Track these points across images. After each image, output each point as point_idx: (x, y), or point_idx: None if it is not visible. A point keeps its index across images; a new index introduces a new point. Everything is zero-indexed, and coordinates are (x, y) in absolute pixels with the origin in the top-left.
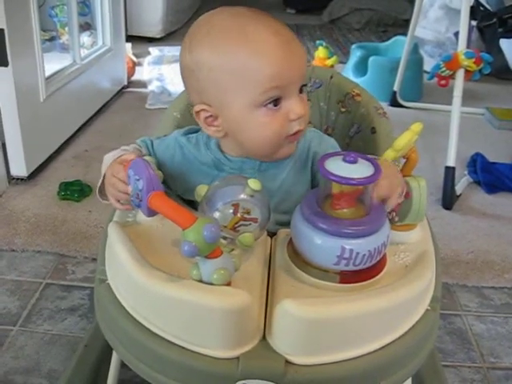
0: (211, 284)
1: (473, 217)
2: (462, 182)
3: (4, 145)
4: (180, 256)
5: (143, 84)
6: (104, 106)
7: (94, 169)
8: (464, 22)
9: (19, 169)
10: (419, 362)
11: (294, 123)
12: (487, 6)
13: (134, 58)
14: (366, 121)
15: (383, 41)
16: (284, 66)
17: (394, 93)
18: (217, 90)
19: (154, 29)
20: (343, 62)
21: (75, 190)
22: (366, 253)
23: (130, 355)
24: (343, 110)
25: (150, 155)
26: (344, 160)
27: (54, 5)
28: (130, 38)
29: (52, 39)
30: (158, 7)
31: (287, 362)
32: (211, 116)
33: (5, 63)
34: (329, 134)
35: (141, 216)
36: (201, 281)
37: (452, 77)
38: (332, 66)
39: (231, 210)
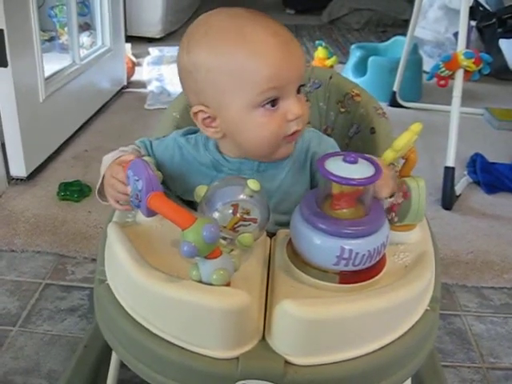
0: (211, 284)
1: (472, 217)
2: (461, 183)
3: (3, 145)
4: (179, 256)
5: (143, 84)
6: (103, 106)
7: (94, 169)
8: (463, 23)
9: (19, 169)
10: (419, 363)
11: (292, 123)
12: (486, 7)
13: (134, 59)
14: (366, 121)
15: (383, 41)
16: (282, 66)
17: (394, 93)
18: (215, 91)
19: (154, 29)
20: (343, 63)
21: (75, 191)
22: (365, 253)
23: (129, 355)
24: (342, 110)
25: (148, 156)
26: (344, 160)
27: (53, 5)
28: (129, 38)
29: (51, 39)
30: (157, 7)
31: (287, 362)
32: (209, 117)
33: (4, 63)
34: (328, 135)
35: (140, 216)
36: (200, 281)
37: (451, 77)
38: (331, 67)
39: (230, 211)
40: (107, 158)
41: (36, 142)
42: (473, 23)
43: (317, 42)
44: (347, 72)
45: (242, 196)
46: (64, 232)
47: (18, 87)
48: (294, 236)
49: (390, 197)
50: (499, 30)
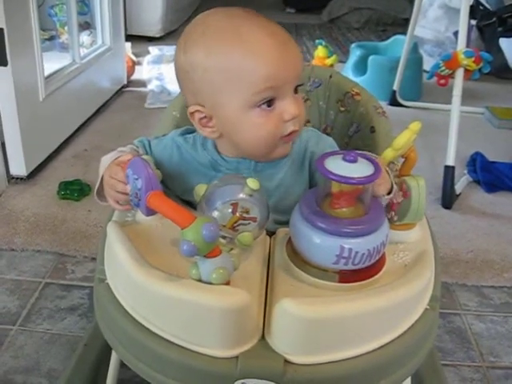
0: (210, 283)
1: (472, 216)
2: (461, 182)
3: (3, 144)
4: (179, 255)
5: (143, 83)
6: (103, 105)
7: (94, 168)
8: (463, 21)
9: (19, 168)
10: (418, 362)
11: (289, 124)
12: (487, 5)
13: (134, 58)
14: (366, 120)
15: (383, 40)
16: (279, 66)
17: (394, 92)
18: (211, 91)
19: (154, 28)
20: (343, 62)
21: (75, 190)
22: (365, 252)
23: (129, 355)
24: (342, 109)
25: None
26: (344, 159)
27: (53, 4)
28: (129, 37)
29: (51, 38)
30: (157, 6)
31: (286, 361)
32: (205, 117)
33: (4, 63)
34: (328, 134)
35: (140, 215)
36: (200, 280)
37: (451, 76)
38: (331, 66)
39: (230, 210)
40: (106, 159)
41: (36, 141)
42: (473, 22)
43: (317, 40)
44: (347, 71)
45: (241, 195)
46: (64, 231)
47: (17, 86)
48: (293, 235)
49: (388, 194)
50: (499, 28)
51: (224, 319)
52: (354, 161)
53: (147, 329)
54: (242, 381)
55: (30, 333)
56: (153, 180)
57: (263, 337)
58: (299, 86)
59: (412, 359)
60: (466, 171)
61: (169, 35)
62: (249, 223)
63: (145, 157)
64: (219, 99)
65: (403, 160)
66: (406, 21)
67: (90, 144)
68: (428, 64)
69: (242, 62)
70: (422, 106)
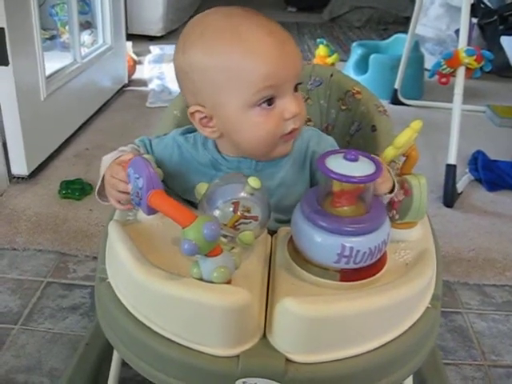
0: (211, 282)
1: (474, 214)
2: (463, 180)
3: (5, 144)
4: (180, 254)
5: (144, 82)
6: (104, 104)
7: (95, 167)
8: (465, 20)
9: (20, 167)
10: (420, 360)
11: (289, 122)
12: (488, 4)
13: (135, 57)
14: (367, 119)
15: (384, 39)
16: (278, 65)
17: (395, 91)
18: (211, 91)
19: (155, 27)
20: (344, 60)
21: (76, 189)
22: (366, 251)
23: (130, 354)
24: (343, 107)
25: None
26: (345, 158)
27: (54, 3)
28: (130, 37)
29: (52, 38)
30: (158, 5)
31: (287, 360)
32: (206, 117)
33: (5, 62)
34: (329, 132)
35: (141, 214)
36: (201, 279)
37: (453, 74)
38: (333, 64)
39: (231, 208)
40: (106, 159)
41: (37, 141)
42: (474, 20)
43: (318, 39)
44: (348, 70)
45: (242, 194)
46: (65, 230)
47: (19, 86)
48: (294, 234)
49: (390, 192)
50: (501, 27)
51: (225, 318)
52: (355, 159)
53: (148, 328)
54: (243, 380)
55: (32, 332)
56: (154, 179)
57: (264, 336)
58: (299, 84)
59: (413, 358)
60: (467, 170)
61: (170, 34)
62: (250, 222)
63: (146, 156)
64: (219, 99)
65: (404, 158)
66: (407, 19)
67: (92, 143)
68: (429, 62)
69: (242, 62)
70: (423, 104)
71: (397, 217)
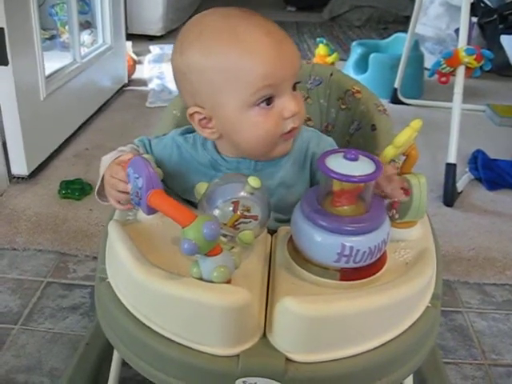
0: (211, 282)
1: (474, 214)
2: (463, 179)
3: (5, 144)
4: (180, 254)
5: (143, 82)
6: (104, 104)
7: (95, 167)
8: (464, 19)
9: (20, 167)
10: (420, 359)
11: (288, 121)
12: (488, 3)
13: (135, 56)
14: (366, 118)
15: (384, 38)
16: (276, 64)
17: (395, 90)
18: (209, 92)
19: (155, 27)
20: (344, 60)
21: (76, 189)
22: (366, 250)
23: (130, 353)
24: (343, 107)
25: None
26: (345, 157)
27: (54, 3)
28: (130, 36)
29: (52, 38)
30: (158, 5)
31: (287, 359)
32: (205, 118)
33: (5, 62)
34: (329, 132)
35: (141, 214)
36: (201, 278)
37: (453, 74)
38: (333, 64)
39: (231, 208)
40: (106, 159)
41: (37, 141)
42: (474, 19)
43: (318, 39)
44: (348, 69)
45: (242, 193)
46: (65, 230)
47: (18, 86)
48: (294, 233)
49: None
50: (501, 26)
51: (225, 317)
52: (355, 159)
53: (148, 327)
54: (243, 379)
55: (32, 332)
56: (153, 179)
57: (264, 335)
58: (297, 83)
59: (414, 357)
60: (467, 169)
61: (170, 34)
62: (250, 221)
63: (145, 156)
64: (218, 100)
65: (404, 158)
66: (407, 18)
67: (91, 143)
68: (429, 62)
69: (240, 62)
70: (423, 103)
71: (397, 216)
